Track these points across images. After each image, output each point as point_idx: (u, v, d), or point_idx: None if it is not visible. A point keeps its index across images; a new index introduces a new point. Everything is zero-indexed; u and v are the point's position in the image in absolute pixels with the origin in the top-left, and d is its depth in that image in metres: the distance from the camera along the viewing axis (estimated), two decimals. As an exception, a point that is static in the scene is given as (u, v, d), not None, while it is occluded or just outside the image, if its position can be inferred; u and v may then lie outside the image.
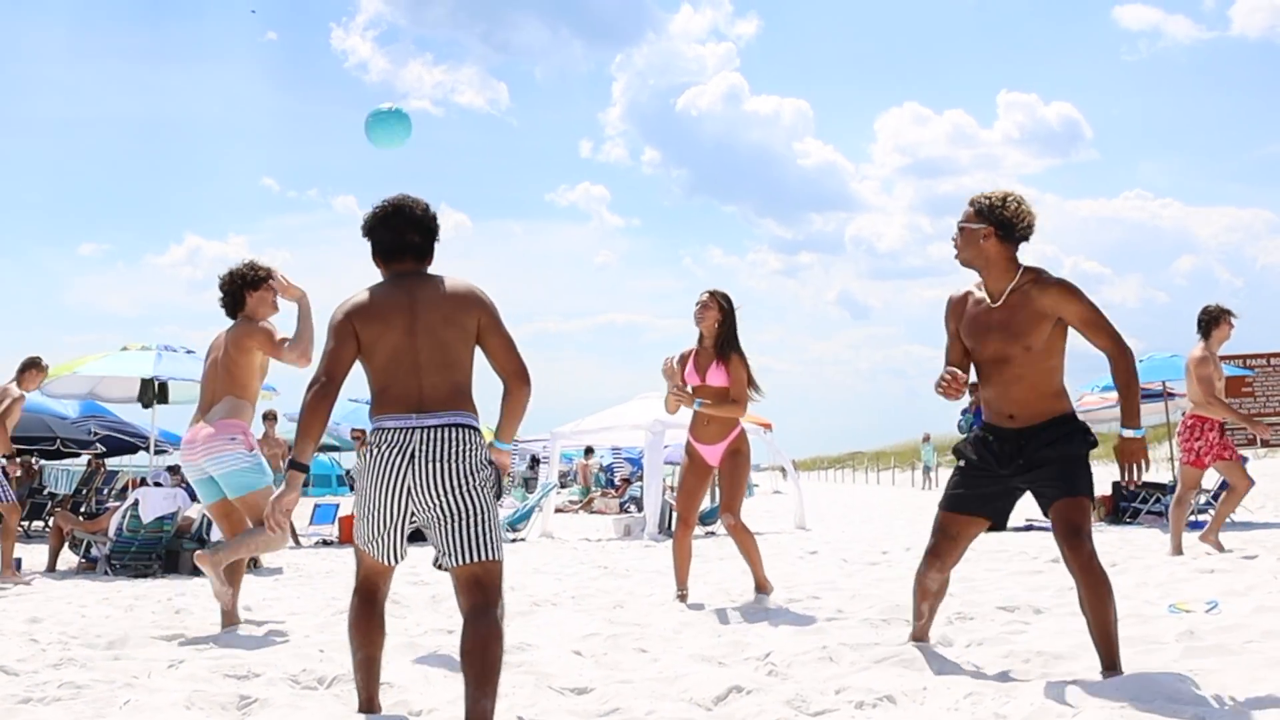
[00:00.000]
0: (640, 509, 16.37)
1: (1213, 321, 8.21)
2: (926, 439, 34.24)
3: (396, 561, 3.37)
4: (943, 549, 4.10)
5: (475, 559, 3.18)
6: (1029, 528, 12.69)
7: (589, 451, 25.30)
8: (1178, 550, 8.18)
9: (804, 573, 7.92)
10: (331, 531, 13.04)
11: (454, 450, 3.22)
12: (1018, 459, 3.87)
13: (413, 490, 3.20)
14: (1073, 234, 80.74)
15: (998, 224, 3.88)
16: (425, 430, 3.23)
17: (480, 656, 3.08)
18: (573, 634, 5.03)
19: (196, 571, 8.85)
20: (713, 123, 70.98)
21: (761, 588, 6.13)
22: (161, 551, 8.96)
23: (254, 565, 9.30)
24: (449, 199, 79.99)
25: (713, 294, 6.16)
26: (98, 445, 16.94)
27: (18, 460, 16.18)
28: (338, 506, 13.78)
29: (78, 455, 17.79)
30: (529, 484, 26.26)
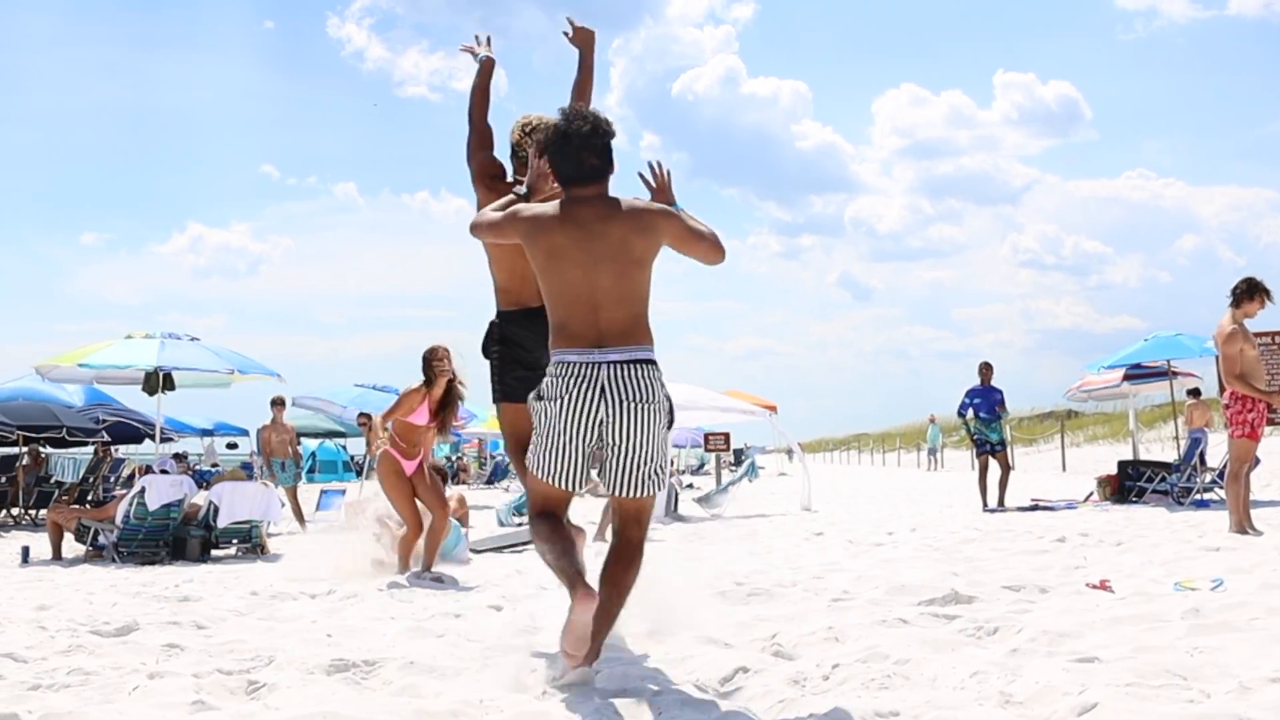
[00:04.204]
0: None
1: (1243, 295, 7.94)
2: (932, 420, 34.24)
3: (578, 489, 3.50)
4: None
5: (639, 494, 3.46)
6: (1034, 507, 12.70)
7: None
8: (1241, 528, 7.77)
9: (810, 554, 7.93)
10: (339, 517, 13.06)
11: (639, 386, 3.35)
12: None
13: (606, 422, 3.34)
14: (1074, 214, 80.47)
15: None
16: (610, 366, 3.34)
17: (619, 579, 3.50)
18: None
19: (203, 558, 8.91)
20: (710, 106, 70.75)
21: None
22: (168, 538, 8.99)
23: (261, 551, 9.33)
24: (449, 185, 79.88)
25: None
26: (104, 433, 16.98)
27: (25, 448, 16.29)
28: (344, 492, 13.80)
29: (84, 444, 17.82)
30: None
